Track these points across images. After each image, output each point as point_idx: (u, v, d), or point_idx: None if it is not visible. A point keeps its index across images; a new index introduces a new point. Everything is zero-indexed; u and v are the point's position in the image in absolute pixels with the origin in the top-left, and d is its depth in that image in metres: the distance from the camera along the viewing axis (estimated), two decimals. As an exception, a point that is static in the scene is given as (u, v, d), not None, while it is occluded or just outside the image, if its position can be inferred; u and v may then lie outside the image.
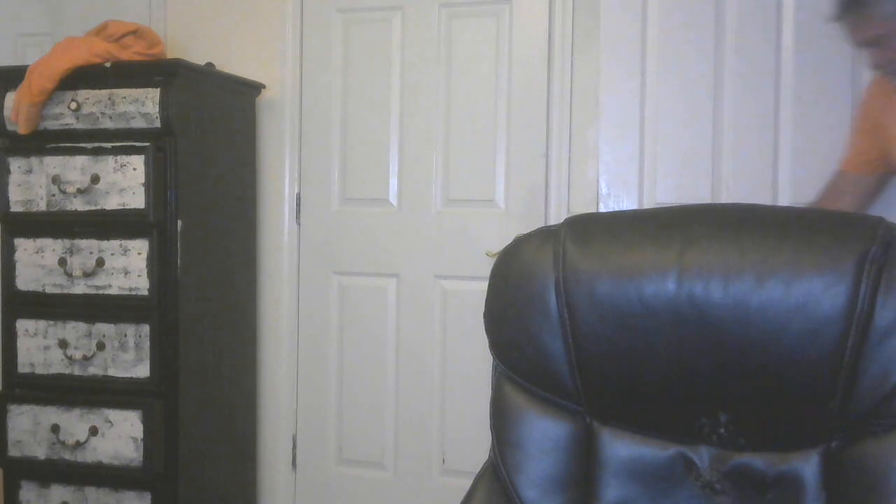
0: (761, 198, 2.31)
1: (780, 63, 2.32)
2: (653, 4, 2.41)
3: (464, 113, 2.62)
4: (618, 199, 2.44)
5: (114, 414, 2.23)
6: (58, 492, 2.30)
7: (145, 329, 2.22)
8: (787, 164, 2.32)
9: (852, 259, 0.94)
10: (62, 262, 2.27)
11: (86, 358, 2.26)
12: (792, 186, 2.32)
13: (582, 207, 2.50)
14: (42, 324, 2.30)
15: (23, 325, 2.31)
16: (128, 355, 2.24)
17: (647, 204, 2.42)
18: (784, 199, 2.32)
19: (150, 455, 2.21)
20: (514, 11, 2.57)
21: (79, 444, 2.25)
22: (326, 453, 2.78)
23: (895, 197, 2.05)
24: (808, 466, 0.97)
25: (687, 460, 1.02)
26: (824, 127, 2.27)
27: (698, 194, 2.37)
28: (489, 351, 1.14)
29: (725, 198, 2.35)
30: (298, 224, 2.79)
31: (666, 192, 2.41)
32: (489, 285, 1.14)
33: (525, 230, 1.24)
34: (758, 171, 2.34)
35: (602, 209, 2.44)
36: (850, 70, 2.26)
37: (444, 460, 2.66)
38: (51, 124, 2.29)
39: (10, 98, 2.30)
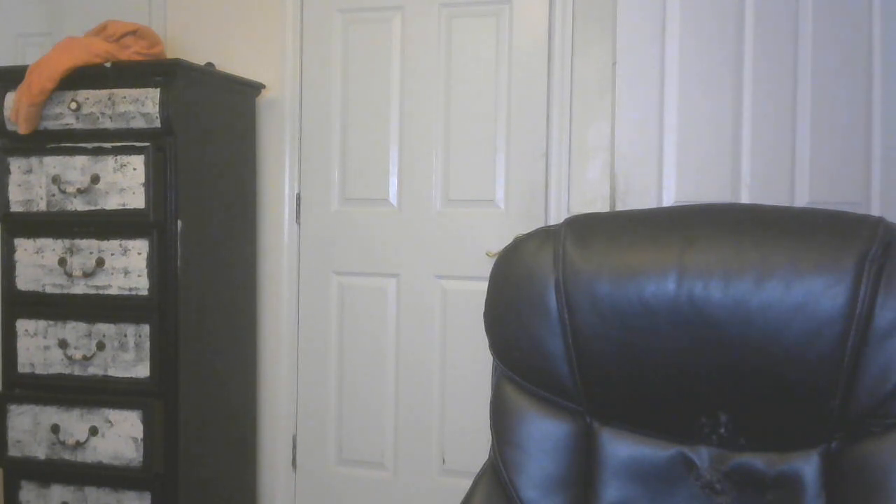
0: (780, 197, 2.29)
1: (797, 58, 2.30)
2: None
3: (464, 113, 2.62)
4: (635, 196, 2.37)
5: (114, 414, 2.23)
6: (58, 492, 2.30)
7: (145, 329, 2.22)
8: (805, 163, 2.30)
9: (852, 259, 0.94)
10: (62, 262, 2.27)
11: (86, 358, 2.26)
12: (811, 185, 2.29)
13: (582, 207, 2.50)
14: (42, 324, 2.30)
15: (23, 325, 2.31)
16: (128, 355, 2.24)
17: (666, 202, 2.38)
18: (802, 198, 2.30)
19: (150, 455, 2.21)
20: (514, 11, 2.57)
21: (79, 444, 2.25)
22: (326, 453, 2.78)
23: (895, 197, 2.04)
24: (808, 466, 0.97)
25: (687, 460, 1.02)
26: (841, 125, 2.25)
27: (718, 193, 2.33)
28: (489, 351, 1.14)
29: (745, 197, 2.33)
30: (298, 224, 2.79)
31: (684, 191, 2.37)
32: (489, 285, 1.14)
33: (525, 230, 1.24)
34: (777, 170, 2.31)
35: (619, 207, 2.41)
36: (868, 68, 2.25)
37: (444, 460, 2.66)
38: (51, 124, 2.29)
39: (10, 98, 2.30)
